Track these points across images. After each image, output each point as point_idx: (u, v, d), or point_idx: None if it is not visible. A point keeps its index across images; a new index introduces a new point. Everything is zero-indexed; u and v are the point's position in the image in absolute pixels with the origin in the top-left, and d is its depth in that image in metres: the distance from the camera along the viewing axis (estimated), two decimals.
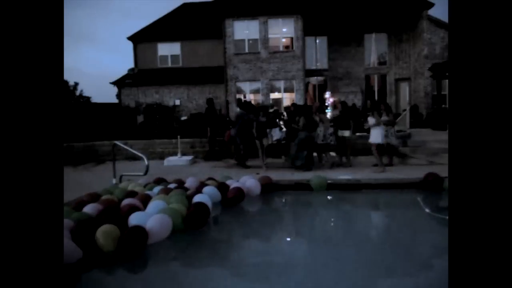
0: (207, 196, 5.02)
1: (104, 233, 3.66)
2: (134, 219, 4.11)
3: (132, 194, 5.28)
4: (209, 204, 4.87)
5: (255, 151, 8.47)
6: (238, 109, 9.13)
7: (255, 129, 8.06)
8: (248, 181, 6.02)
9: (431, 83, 15.28)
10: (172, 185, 5.73)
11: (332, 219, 5.49)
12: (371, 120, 7.47)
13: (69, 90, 26.80)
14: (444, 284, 1.83)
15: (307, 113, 7.77)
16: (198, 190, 5.31)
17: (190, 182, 5.93)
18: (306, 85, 17.32)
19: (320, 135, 7.93)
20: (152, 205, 4.57)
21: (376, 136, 7.34)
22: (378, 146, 7.42)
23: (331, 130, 8.06)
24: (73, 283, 3.15)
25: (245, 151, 8.46)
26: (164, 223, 4.04)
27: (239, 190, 5.55)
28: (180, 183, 5.92)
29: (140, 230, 3.78)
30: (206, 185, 5.67)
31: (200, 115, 15.10)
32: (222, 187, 5.56)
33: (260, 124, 8.09)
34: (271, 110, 9.51)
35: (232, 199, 5.43)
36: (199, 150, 10.73)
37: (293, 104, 9.16)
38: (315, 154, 8.39)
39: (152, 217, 4.08)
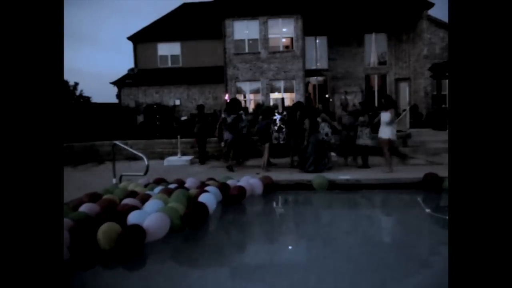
0: (212, 195, 5.06)
1: (105, 232, 3.67)
2: (133, 217, 4.12)
3: (132, 194, 5.28)
4: (214, 203, 4.94)
5: (250, 152, 8.47)
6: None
7: (255, 132, 8.04)
8: (250, 181, 6.04)
9: (431, 83, 15.28)
10: (172, 185, 5.74)
11: (333, 219, 5.49)
12: (385, 116, 7.16)
13: (69, 90, 26.78)
14: (444, 283, 1.83)
15: (311, 115, 7.70)
16: (202, 189, 5.33)
17: (190, 182, 5.93)
18: (306, 85, 17.31)
19: (322, 133, 7.86)
20: (150, 204, 4.58)
21: (389, 131, 7.04)
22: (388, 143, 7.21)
23: (329, 129, 7.97)
24: (71, 282, 3.16)
25: (233, 152, 8.44)
26: (161, 222, 4.05)
27: (241, 188, 5.59)
28: (181, 183, 5.92)
29: (137, 229, 3.79)
30: (207, 185, 5.69)
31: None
32: (223, 187, 5.58)
33: (261, 128, 8.06)
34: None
35: (234, 197, 5.46)
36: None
37: (294, 105, 9.10)
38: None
39: (150, 216, 4.08)
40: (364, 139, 7.72)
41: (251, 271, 3.47)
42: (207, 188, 5.39)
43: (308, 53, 17.84)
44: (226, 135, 8.40)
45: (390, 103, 7.31)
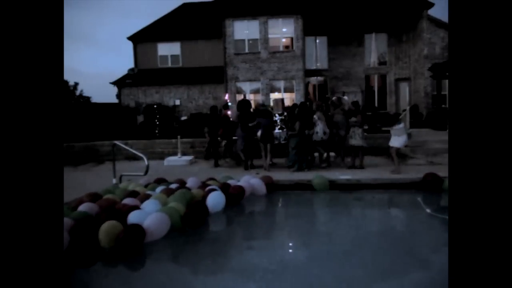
0: (222, 195, 5.12)
1: (106, 230, 3.68)
2: (133, 217, 4.12)
3: (132, 194, 5.28)
4: (223, 202, 5.06)
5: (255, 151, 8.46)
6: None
7: (260, 132, 8.06)
8: (251, 181, 6.04)
9: (431, 83, 15.27)
10: (173, 185, 5.74)
11: (333, 219, 5.49)
12: (399, 127, 7.33)
13: (69, 90, 26.79)
14: (444, 283, 1.83)
15: (302, 116, 7.72)
16: (210, 189, 5.37)
17: (191, 182, 5.93)
18: (306, 85, 17.31)
19: (320, 132, 7.82)
20: (150, 204, 4.59)
21: (398, 140, 7.23)
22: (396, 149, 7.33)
23: (327, 129, 7.91)
24: (71, 281, 3.16)
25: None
26: (162, 222, 4.05)
27: (240, 188, 5.60)
28: (182, 183, 5.92)
29: (137, 228, 3.80)
30: (208, 185, 5.70)
31: (200, 115, 15.06)
32: (224, 187, 5.59)
33: (265, 127, 8.09)
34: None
35: (232, 196, 5.48)
36: (199, 150, 10.73)
37: (294, 105, 9.09)
38: (316, 154, 8.38)
39: (150, 216, 4.09)
40: (356, 140, 7.68)
41: (251, 270, 3.47)
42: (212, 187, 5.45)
43: (308, 53, 17.84)
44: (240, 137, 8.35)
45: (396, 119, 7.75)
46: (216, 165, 8.95)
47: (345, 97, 8.58)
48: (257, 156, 8.69)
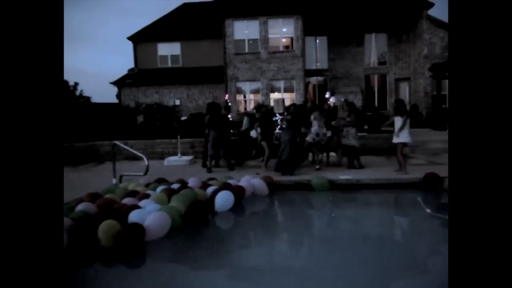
0: (230, 194, 5.17)
1: (105, 229, 3.69)
2: (133, 216, 4.13)
3: (133, 194, 5.28)
4: (232, 201, 5.11)
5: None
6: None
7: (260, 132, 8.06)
8: (252, 181, 6.04)
9: (431, 83, 15.27)
10: (175, 185, 5.74)
11: (332, 219, 5.48)
12: (398, 122, 6.90)
13: (69, 90, 26.80)
14: (444, 283, 1.83)
15: (300, 115, 7.69)
16: (218, 188, 5.41)
17: (192, 182, 5.93)
18: (306, 85, 17.31)
19: (313, 132, 7.71)
20: (151, 203, 4.60)
21: (403, 135, 6.80)
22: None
23: (324, 129, 7.85)
24: (71, 280, 3.16)
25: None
26: (162, 221, 4.06)
27: (240, 188, 5.61)
28: (183, 183, 5.92)
29: (136, 227, 3.80)
30: (209, 185, 5.70)
31: (200, 115, 15.04)
32: (225, 187, 5.60)
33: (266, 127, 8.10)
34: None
35: (233, 196, 5.49)
36: (199, 150, 10.71)
37: (293, 105, 9.05)
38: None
39: (151, 215, 4.09)
40: (349, 139, 7.63)
41: (252, 270, 3.47)
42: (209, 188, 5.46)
43: (308, 53, 17.83)
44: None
45: (402, 108, 7.00)
46: (216, 165, 8.94)
47: (339, 98, 8.55)
48: (246, 157, 8.67)
